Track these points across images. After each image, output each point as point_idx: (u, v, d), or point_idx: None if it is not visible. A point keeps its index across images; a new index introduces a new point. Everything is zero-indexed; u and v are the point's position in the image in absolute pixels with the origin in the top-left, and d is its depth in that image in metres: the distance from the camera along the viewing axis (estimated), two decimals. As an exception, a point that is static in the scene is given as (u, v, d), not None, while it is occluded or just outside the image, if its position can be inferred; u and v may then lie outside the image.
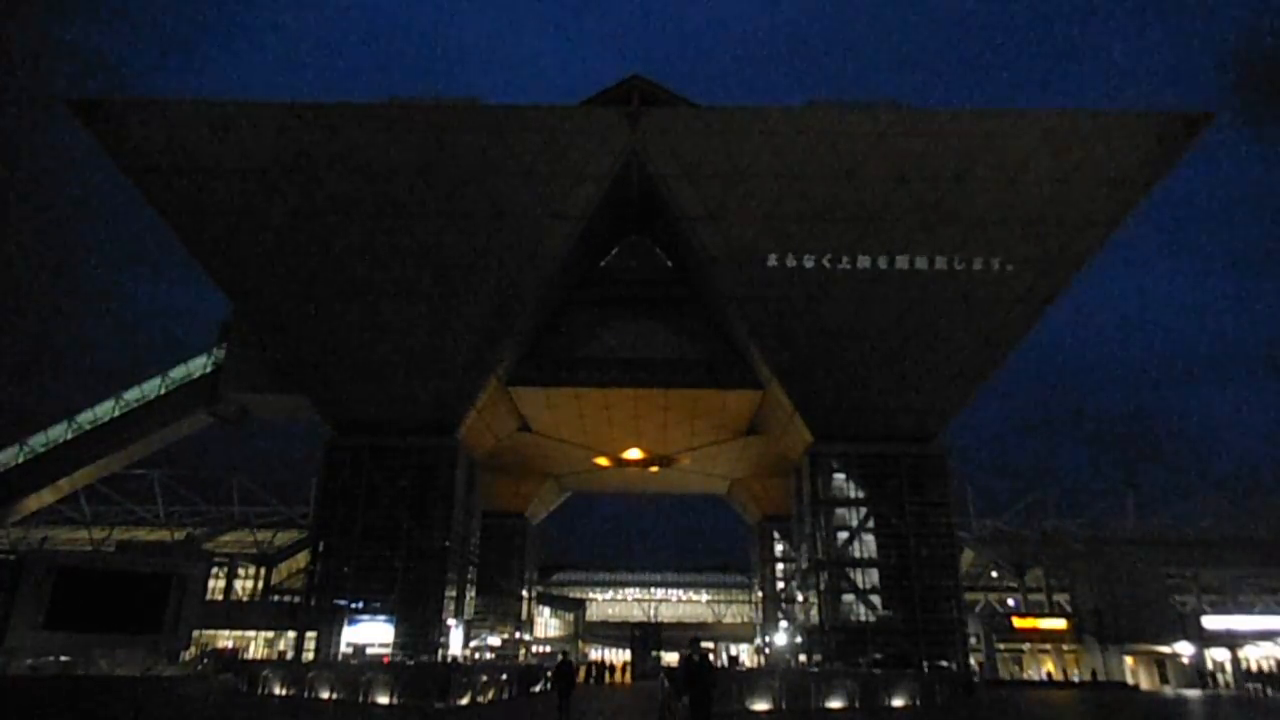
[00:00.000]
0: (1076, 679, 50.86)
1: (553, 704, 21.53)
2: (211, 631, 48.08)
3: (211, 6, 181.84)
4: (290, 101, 44.00)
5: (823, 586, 46.33)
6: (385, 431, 47.31)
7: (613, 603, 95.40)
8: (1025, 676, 54.32)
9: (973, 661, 47.33)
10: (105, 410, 52.63)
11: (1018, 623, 53.63)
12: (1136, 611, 50.14)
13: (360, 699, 28.24)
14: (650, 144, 42.77)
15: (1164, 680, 50.43)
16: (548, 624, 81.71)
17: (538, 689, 35.75)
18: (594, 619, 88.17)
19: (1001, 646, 52.73)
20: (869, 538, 47.14)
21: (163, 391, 52.77)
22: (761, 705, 27.38)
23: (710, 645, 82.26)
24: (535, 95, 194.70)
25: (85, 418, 52.72)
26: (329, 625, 43.57)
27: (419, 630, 44.22)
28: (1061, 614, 55.04)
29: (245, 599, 60.85)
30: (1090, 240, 43.71)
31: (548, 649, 69.88)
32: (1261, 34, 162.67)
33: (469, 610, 52.64)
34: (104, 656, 33.44)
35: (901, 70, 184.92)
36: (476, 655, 54.23)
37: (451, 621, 47.00)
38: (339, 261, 44.35)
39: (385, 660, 41.26)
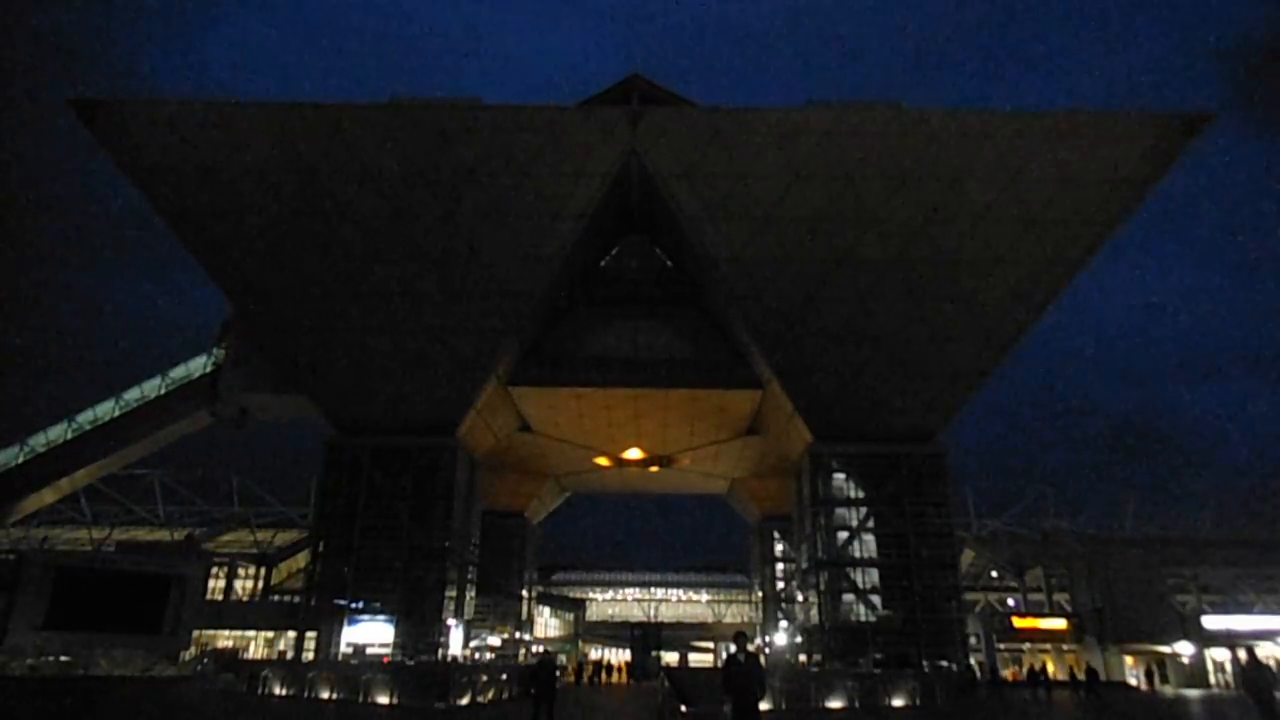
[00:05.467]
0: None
1: (540, 709, 17.43)
2: (211, 631, 48.15)
3: (211, 6, 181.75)
4: (290, 102, 43.94)
5: (823, 586, 46.30)
6: (385, 431, 47.28)
7: (613, 603, 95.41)
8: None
9: (972, 660, 47.27)
10: (105, 410, 52.58)
11: (1018, 623, 53.60)
12: (1136, 611, 50.13)
13: (360, 699, 28.24)
14: (650, 144, 42.74)
15: (1164, 680, 50.41)
16: (548, 624, 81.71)
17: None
18: (594, 619, 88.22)
19: (1001, 646, 52.71)
20: (869, 538, 47.10)
21: (163, 391, 52.70)
22: (761, 705, 27.34)
23: (710, 645, 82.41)
24: (535, 95, 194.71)
25: (85, 418, 52.67)
26: (329, 625, 43.56)
27: (419, 630, 44.18)
28: (1061, 614, 55.02)
29: (245, 599, 60.83)
30: (1090, 240, 43.68)
31: (547, 649, 69.88)
32: (1261, 34, 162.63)
33: (469, 610, 52.61)
34: (104, 656, 33.47)
35: (901, 70, 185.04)
36: (476, 655, 54.21)
37: (451, 621, 46.99)
38: (339, 261, 44.33)
39: (385, 660, 41.25)
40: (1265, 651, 49.11)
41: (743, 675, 12.73)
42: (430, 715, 25.18)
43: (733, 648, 13.33)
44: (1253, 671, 17.88)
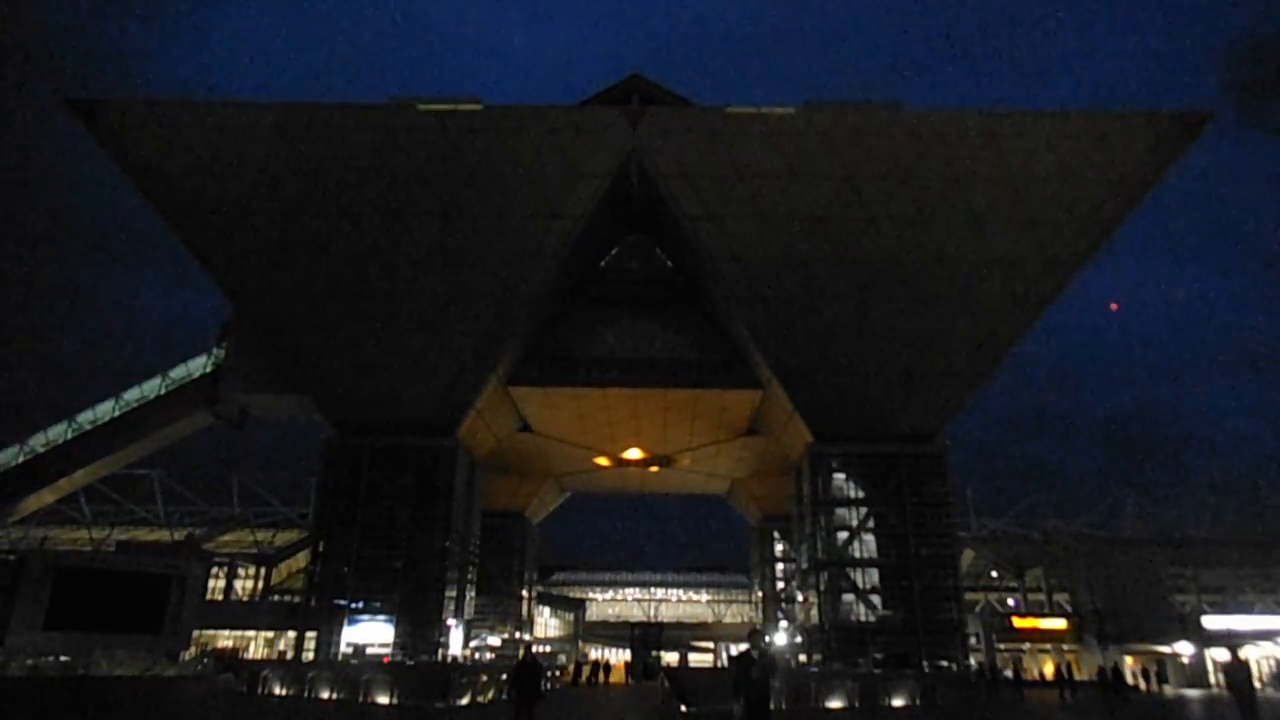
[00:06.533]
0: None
1: (522, 710, 16.43)
2: (211, 631, 48.06)
3: (211, 6, 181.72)
4: (290, 102, 43.99)
5: (823, 586, 46.29)
6: (385, 431, 47.24)
7: (613, 603, 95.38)
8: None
9: (972, 660, 47.26)
10: (105, 410, 52.53)
11: (1018, 623, 53.56)
12: (1136, 611, 50.11)
13: (360, 699, 28.26)
14: (650, 144, 42.77)
15: (1163, 680, 50.39)
16: (548, 624, 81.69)
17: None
18: (594, 619, 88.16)
19: (1002, 646, 52.68)
20: (869, 538, 47.06)
21: (163, 391, 52.65)
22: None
23: (710, 645, 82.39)
24: (535, 95, 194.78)
25: (85, 418, 52.62)
26: (329, 625, 43.53)
27: (419, 630, 44.16)
28: (1061, 614, 54.98)
29: (245, 599, 60.83)
30: (1090, 240, 43.71)
31: (548, 649, 69.88)
32: (1260, 34, 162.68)
33: (469, 610, 52.59)
34: (104, 657, 33.42)
35: (901, 70, 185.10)
36: (476, 655, 54.19)
37: (451, 621, 46.97)
38: (339, 261, 44.33)
39: (385, 660, 41.25)
40: (1265, 651, 49.21)
41: (760, 673, 12.45)
42: (430, 715, 25.19)
43: (739, 647, 13.15)
44: (1234, 670, 18.76)
